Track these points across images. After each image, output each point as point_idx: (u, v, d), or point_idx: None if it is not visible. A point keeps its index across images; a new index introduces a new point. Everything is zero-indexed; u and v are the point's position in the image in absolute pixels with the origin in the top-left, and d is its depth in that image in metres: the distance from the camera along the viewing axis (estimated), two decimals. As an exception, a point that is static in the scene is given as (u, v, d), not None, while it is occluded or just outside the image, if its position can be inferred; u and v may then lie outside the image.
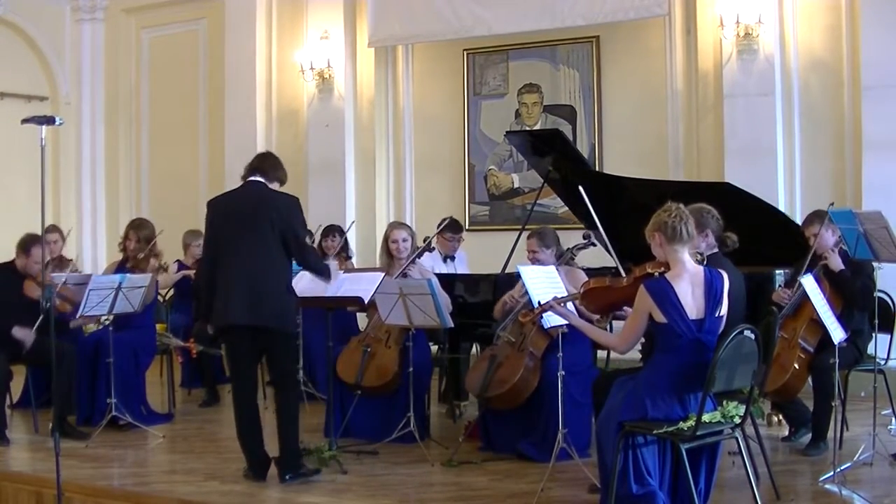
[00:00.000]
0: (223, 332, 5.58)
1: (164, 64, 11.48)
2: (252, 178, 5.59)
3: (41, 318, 6.59)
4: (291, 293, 5.57)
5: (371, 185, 10.17)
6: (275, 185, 5.66)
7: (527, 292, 5.44)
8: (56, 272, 7.12)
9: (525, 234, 6.58)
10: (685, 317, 4.40)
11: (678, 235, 4.49)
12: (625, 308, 4.92)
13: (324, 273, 5.72)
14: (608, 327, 5.82)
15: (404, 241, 6.74)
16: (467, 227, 9.66)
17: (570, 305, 5.07)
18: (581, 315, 5.36)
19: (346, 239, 8.73)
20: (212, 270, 5.55)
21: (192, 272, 8.42)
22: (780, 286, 6.17)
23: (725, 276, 4.56)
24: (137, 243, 7.19)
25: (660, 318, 4.40)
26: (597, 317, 5.48)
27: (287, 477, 5.41)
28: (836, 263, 5.92)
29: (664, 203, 4.63)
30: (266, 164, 5.67)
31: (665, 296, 4.40)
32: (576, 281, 5.91)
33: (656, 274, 4.53)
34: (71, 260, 8.34)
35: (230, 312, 5.42)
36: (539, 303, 5.09)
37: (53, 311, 6.17)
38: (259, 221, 5.43)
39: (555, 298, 5.00)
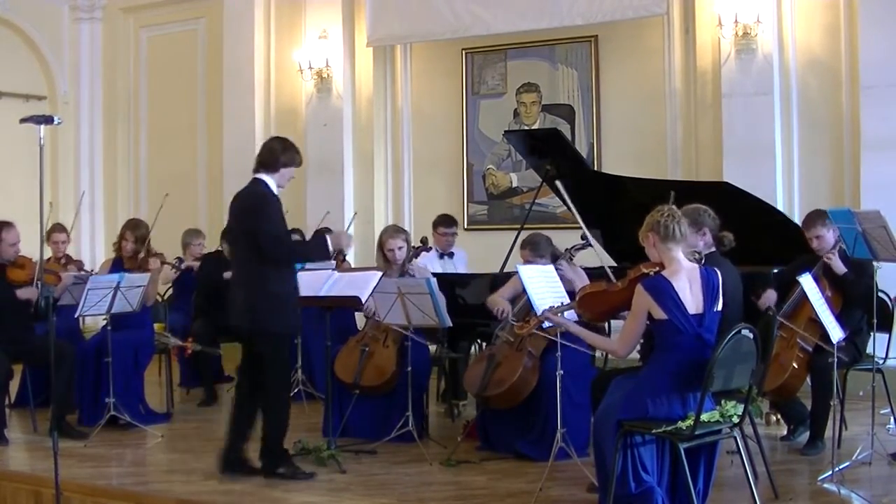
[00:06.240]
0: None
1: (162, 63, 11.46)
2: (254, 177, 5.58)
3: (39, 262, 6.60)
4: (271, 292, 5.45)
5: (369, 185, 10.15)
6: (285, 172, 5.50)
7: (525, 291, 5.44)
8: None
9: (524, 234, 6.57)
10: (685, 312, 4.40)
11: (671, 234, 4.50)
12: (622, 314, 4.91)
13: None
14: (606, 328, 5.82)
15: (400, 248, 6.74)
16: (465, 227, 9.66)
17: (567, 313, 5.05)
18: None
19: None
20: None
21: (194, 264, 8.42)
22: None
23: (718, 272, 4.58)
24: (135, 243, 7.20)
25: (659, 314, 4.40)
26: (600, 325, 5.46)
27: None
28: (839, 267, 5.89)
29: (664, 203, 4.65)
30: (264, 155, 5.53)
31: (664, 292, 4.40)
32: (582, 279, 5.93)
33: (652, 273, 4.53)
34: (79, 261, 8.35)
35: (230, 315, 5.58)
36: (535, 313, 5.08)
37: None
38: (235, 224, 5.59)
39: (550, 308, 5.00)
